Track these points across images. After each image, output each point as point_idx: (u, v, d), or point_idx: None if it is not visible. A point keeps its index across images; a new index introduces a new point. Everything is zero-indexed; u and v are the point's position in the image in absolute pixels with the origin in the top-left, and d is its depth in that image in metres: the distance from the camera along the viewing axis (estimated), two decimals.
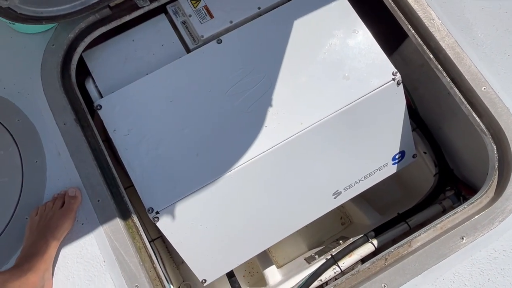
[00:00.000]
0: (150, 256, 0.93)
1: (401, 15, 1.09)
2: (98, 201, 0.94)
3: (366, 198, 1.55)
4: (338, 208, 1.68)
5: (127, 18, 1.09)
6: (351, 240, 1.28)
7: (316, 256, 1.38)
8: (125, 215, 0.95)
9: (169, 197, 0.99)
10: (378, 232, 1.25)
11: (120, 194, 0.97)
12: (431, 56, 1.05)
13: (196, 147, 1.03)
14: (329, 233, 1.66)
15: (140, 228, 0.96)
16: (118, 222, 0.93)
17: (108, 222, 0.92)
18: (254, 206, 1.09)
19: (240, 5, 1.14)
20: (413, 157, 1.24)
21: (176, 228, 1.02)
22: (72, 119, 0.99)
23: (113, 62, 1.11)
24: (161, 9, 1.16)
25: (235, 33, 1.11)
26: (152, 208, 0.98)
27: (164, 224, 1.00)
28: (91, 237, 0.91)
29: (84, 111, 1.03)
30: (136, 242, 0.93)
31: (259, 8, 1.14)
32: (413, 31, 1.08)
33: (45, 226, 0.89)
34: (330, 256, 1.20)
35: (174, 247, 1.04)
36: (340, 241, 1.43)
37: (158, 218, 0.98)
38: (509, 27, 1.04)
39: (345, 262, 1.19)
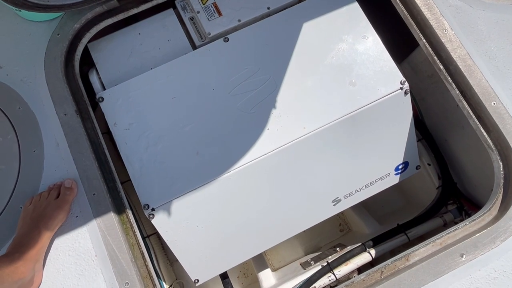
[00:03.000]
0: (142, 254, 0.92)
1: (413, 23, 1.07)
2: (94, 194, 0.93)
3: (366, 207, 1.53)
4: (337, 214, 1.66)
5: (135, 11, 1.08)
6: (349, 248, 1.26)
7: (312, 262, 1.36)
8: (120, 211, 0.94)
9: (165, 195, 0.98)
10: (376, 242, 1.23)
11: (117, 189, 0.96)
12: (441, 67, 1.03)
13: (197, 146, 1.01)
14: (327, 239, 1.64)
15: (134, 225, 0.94)
16: (112, 217, 0.92)
17: (102, 216, 0.91)
18: (251, 209, 1.08)
19: (250, 4, 1.12)
20: (416, 168, 1.22)
21: (171, 226, 1.01)
22: (73, 110, 0.98)
23: (118, 54, 1.10)
24: (170, 4, 1.14)
25: (243, 32, 1.09)
26: (148, 205, 0.97)
27: (159, 222, 0.99)
28: (84, 230, 0.90)
29: (85, 102, 1.02)
30: (130, 239, 0.92)
31: (268, 8, 1.12)
32: (424, 40, 1.05)
33: (39, 216, 0.88)
34: (326, 263, 1.18)
35: (168, 245, 1.03)
36: (337, 248, 1.42)
37: (153, 215, 0.97)
38: None
39: (341, 271, 1.18)
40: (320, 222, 1.21)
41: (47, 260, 0.89)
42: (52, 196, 0.91)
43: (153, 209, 0.97)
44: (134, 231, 0.93)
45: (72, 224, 0.91)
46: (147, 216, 0.97)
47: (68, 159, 0.95)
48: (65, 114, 0.98)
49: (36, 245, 0.85)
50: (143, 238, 1.11)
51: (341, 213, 1.66)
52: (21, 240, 0.86)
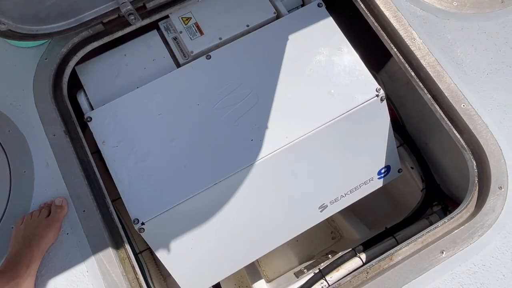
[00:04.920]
0: (133, 267, 0.93)
1: (384, 34, 1.13)
2: (84, 211, 0.95)
3: (356, 213, 1.56)
4: (328, 222, 1.70)
5: (120, 33, 1.13)
6: (340, 254, 1.28)
7: (305, 270, 1.38)
8: (110, 226, 0.96)
9: (155, 209, 1.00)
10: (366, 246, 1.25)
11: (106, 205, 0.98)
12: (413, 74, 1.08)
13: (184, 159, 1.04)
14: (320, 247, 1.66)
15: (125, 239, 0.96)
16: (102, 233, 0.94)
17: (92, 232, 0.93)
18: (240, 218, 1.10)
19: (230, 22, 1.18)
20: (399, 171, 1.26)
21: (162, 240, 1.03)
22: (62, 131, 1.01)
23: (105, 75, 1.14)
24: (153, 25, 1.20)
25: (224, 49, 1.15)
26: (138, 219, 0.99)
27: (149, 235, 1.01)
28: (75, 247, 0.92)
29: (74, 123, 1.05)
30: (120, 253, 0.94)
31: (247, 25, 1.18)
32: (395, 50, 1.11)
33: (30, 234, 0.90)
34: (318, 270, 1.20)
35: (159, 258, 1.04)
36: (329, 255, 1.44)
37: (143, 229, 0.99)
38: (487, 47, 1.08)
39: (333, 277, 1.19)
40: (313, 231, 1.23)
41: (39, 278, 0.90)
42: (43, 214, 0.92)
43: (143, 223, 0.99)
44: (125, 245, 0.95)
45: (63, 241, 0.93)
46: (137, 230, 0.99)
47: (58, 178, 0.97)
48: (54, 135, 1.01)
49: (28, 263, 0.87)
50: (135, 254, 1.13)
51: (332, 220, 1.69)
52: (13, 259, 0.87)
